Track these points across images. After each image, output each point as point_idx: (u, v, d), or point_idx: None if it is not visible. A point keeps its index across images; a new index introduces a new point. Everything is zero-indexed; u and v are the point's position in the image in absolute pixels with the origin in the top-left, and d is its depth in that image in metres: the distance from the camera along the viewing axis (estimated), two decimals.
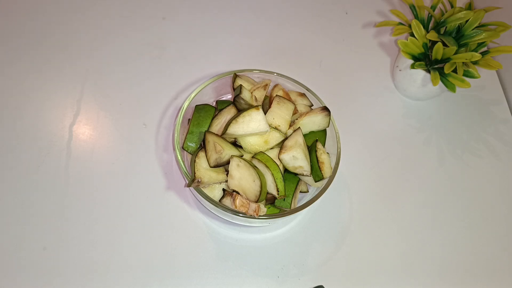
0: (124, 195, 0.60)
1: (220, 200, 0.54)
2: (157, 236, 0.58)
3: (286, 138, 0.56)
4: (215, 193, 0.55)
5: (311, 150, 0.56)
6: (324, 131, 0.60)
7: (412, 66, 0.66)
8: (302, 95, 0.62)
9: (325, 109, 0.58)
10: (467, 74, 0.64)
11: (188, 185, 0.53)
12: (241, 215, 0.51)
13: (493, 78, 0.79)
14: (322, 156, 0.56)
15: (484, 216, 0.65)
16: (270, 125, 0.55)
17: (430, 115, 0.74)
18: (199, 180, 0.53)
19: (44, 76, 0.68)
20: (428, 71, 0.68)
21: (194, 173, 0.53)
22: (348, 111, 0.72)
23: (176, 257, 0.57)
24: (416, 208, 0.65)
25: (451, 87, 0.64)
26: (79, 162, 0.62)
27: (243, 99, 0.56)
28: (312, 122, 0.58)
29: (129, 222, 0.58)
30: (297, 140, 0.55)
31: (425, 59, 0.67)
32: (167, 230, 0.58)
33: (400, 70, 0.72)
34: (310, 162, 0.55)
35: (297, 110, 0.60)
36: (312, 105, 0.62)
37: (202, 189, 0.53)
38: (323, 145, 0.60)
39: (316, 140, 0.57)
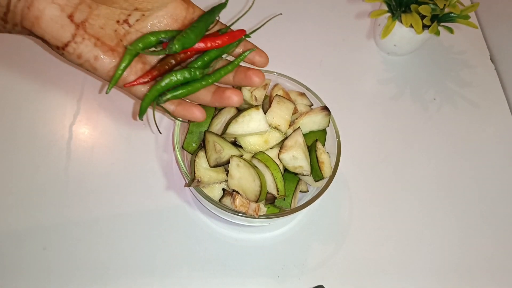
0: (124, 195, 0.60)
1: (220, 200, 0.54)
2: (157, 236, 0.58)
3: (286, 138, 0.56)
4: (215, 193, 0.55)
5: (311, 150, 0.56)
6: (324, 131, 0.60)
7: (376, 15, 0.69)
8: (302, 94, 0.62)
9: (325, 108, 0.58)
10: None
11: (188, 185, 0.53)
12: (241, 215, 0.51)
13: (493, 78, 0.79)
14: (322, 156, 0.55)
15: (486, 217, 0.65)
16: (270, 125, 0.55)
17: (430, 115, 0.74)
18: (199, 180, 0.53)
19: (44, 75, 0.68)
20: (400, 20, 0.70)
21: (194, 173, 0.53)
22: (348, 111, 0.72)
23: (176, 257, 0.57)
24: (416, 208, 0.65)
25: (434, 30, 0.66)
26: (79, 162, 0.62)
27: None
28: (312, 122, 0.58)
29: (129, 222, 0.58)
30: (297, 140, 0.55)
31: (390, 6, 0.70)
32: (167, 230, 0.58)
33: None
34: (310, 162, 0.55)
35: (297, 110, 0.60)
36: (312, 104, 0.62)
37: (202, 189, 0.53)
38: (323, 145, 0.60)
39: (316, 140, 0.57)
